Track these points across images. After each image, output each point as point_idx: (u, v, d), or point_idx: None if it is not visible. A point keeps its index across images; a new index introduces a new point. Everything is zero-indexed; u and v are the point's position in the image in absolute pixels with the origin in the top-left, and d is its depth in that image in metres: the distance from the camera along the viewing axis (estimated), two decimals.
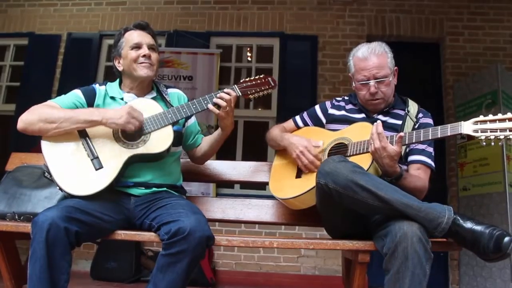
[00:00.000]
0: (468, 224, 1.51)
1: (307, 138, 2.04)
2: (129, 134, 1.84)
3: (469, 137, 1.61)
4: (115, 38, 2.04)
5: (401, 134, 1.73)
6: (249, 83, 2.02)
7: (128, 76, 2.01)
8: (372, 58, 1.99)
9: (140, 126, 1.82)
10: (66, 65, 5.04)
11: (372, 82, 1.98)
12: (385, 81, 1.98)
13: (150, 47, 1.99)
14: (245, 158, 4.75)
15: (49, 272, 1.50)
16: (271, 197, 2.16)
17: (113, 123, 1.79)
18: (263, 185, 2.54)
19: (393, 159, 1.72)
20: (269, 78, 2.06)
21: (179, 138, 2.05)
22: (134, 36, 1.99)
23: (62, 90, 2.04)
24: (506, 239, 1.45)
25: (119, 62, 2.02)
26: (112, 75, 2.14)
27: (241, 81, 2.03)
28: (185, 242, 1.55)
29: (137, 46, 1.97)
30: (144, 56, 1.95)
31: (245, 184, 4.47)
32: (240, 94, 1.98)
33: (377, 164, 1.78)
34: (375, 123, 1.79)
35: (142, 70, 1.96)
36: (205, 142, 2.16)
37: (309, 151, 1.95)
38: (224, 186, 4.72)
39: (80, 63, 5.01)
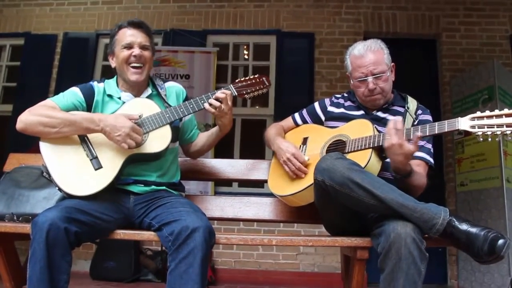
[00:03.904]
0: (464, 226, 1.51)
1: (296, 146, 2.05)
2: None
3: (467, 133, 1.61)
4: (111, 34, 2.03)
5: (419, 133, 1.69)
6: (244, 83, 2.04)
7: (120, 76, 2.02)
8: (368, 55, 2.00)
9: (137, 146, 1.81)
10: (62, 65, 5.02)
11: (370, 78, 1.98)
12: (382, 77, 1.99)
13: (142, 47, 1.96)
14: (242, 156, 4.75)
15: (49, 273, 1.49)
16: (269, 194, 2.17)
17: (110, 137, 1.79)
18: (261, 183, 2.54)
19: (407, 157, 1.70)
20: (264, 78, 2.08)
21: (176, 133, 2.06)
22: (127, 35, 1.97)
23: (59, 90, 2.02)
24: (500, 241, 1.45)
25: (112, 59, 2.03)
26: (108, 74, 2.15)
27: (237, 80, 2.05)
28: (192, 241, 1.54)
29: (129, 46, 1.95)
30: (135, 56, 1.93)
31: (243, 182, 4.47)
32: (236, 93, 2.01)
33: (391, 160, 1.76)
34: (392, 119, 1.76)
35: (132, 75, 1.95)
36: (201, 138, 2.18)
37: (296, 158, 1.95)
38: (222, 184, 4.73)
39: (77, 63, 4.99)
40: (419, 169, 1.89)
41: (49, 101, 1.90)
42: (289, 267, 4.42)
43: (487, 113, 1.58)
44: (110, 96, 2.00)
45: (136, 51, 1.94)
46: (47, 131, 1.79)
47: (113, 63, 2.02)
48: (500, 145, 3.84)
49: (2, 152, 2.93)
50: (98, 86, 2.01)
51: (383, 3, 4.92)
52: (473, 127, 1.59)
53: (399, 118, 1.77)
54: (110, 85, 2.04)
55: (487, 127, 1.56)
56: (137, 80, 1.96)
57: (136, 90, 2.02)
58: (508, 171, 3.86)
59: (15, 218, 1.88)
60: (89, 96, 1.96)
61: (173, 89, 2.12)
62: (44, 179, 1.97)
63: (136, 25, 1.98)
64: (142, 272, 4.07)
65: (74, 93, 1.96)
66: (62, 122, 1.78)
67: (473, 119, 1.60)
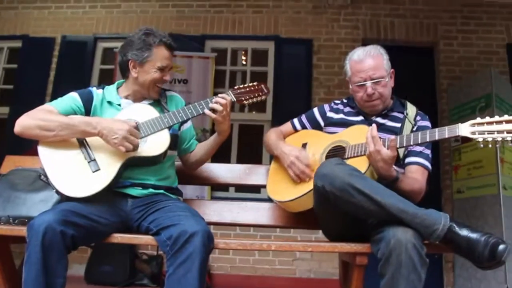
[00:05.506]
0: (464, 232, 1.51)
1: (300, 148, 2.04)
2: None
3: (464, 139, 1.62)
4: (140, 42, 1.92)
5: (393, 138, 1.73)
6: (243, 90, 2.04)
7: (135, 84, 1.99)
8: (367, 60, 2.00)
9: (134, 149, 1.79)
10: (60, 68, 5.01)
11: (368, 83, 1.98)
12: (381, 82, 1.99)
13: (169, 71, 2.01)
14: (240, 161, 4.74)
15: (44, 277, 1.48)
16: (266, 199, 2.16)
17: (107, 141, 1.77)
18: (258, 188, 2.53)
19: (387, 163, 1.72)
20: (263, 85, 2.09)
21: (175, 141, 2.04)
22: (164, 56, 1.95)
23: (56, 93, 2.03)
24: (501, 246, 1.45)
25: (134, 68, 1.95)
26: (106, 78, 2.13)
27: (235, 87, 2.04)
28: (190, 245, 1.53)
29: (163, 69, 1.96)
30: (165, 81, 1.99)
31: (240, 187, 4.45)
32: (235, 99, 2.00)
33: (373, 168, 1.78)
34: (370, 127, 1.80)
35: (154, 94, 2.00)
36: (200, 148, 2.15)
37: (300, 161, 1.95)
38: (219, 189, 4.71)
39: (75, 66, 4.97)
40: (415, 175, 1.90)
41: (47, 106, 1.90)
42: (285, 272, 4.39)
43: (487, 119, 1.59)
44: (109, 102, 1.99)
45: (167, 76, 1.98)
46: (45, 134, 1.78)
47: (134, 73, 1.96)
48: (497, 152, 3.85)
49: None
50: (96, 92, 2.01)
51: (381, 10, 4.94)
52: (473, 133, 1.59)
53: (374, 125, 1.80)
54: (110, 91, 2.03)
55: (488, 133, 1.56)
56: (156, 97, 2.02)
57: (138, 98, 2.02)
58: (504, 179, 3.86)
59: (11, 220, 1.86)
60: (87, 101, 1.96)
61: (173, 98, 2.13)
62: (41, 182, 1.95)
63: (172, 49, 2.00)
64: (138, 277, 4.03)
65: (72, 98, 1.95)
66: (60, 125, 1.77)
67: (473, 125, 1.60)
